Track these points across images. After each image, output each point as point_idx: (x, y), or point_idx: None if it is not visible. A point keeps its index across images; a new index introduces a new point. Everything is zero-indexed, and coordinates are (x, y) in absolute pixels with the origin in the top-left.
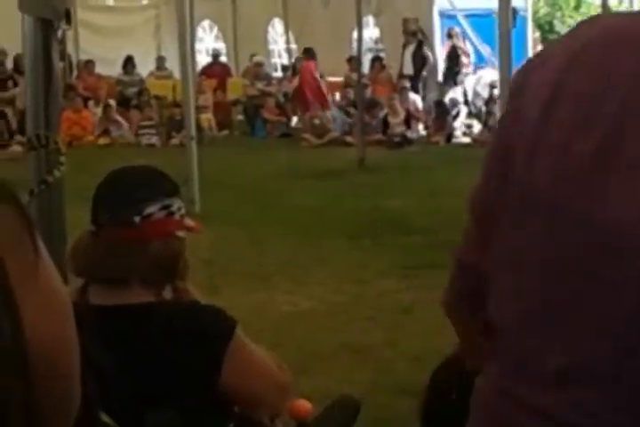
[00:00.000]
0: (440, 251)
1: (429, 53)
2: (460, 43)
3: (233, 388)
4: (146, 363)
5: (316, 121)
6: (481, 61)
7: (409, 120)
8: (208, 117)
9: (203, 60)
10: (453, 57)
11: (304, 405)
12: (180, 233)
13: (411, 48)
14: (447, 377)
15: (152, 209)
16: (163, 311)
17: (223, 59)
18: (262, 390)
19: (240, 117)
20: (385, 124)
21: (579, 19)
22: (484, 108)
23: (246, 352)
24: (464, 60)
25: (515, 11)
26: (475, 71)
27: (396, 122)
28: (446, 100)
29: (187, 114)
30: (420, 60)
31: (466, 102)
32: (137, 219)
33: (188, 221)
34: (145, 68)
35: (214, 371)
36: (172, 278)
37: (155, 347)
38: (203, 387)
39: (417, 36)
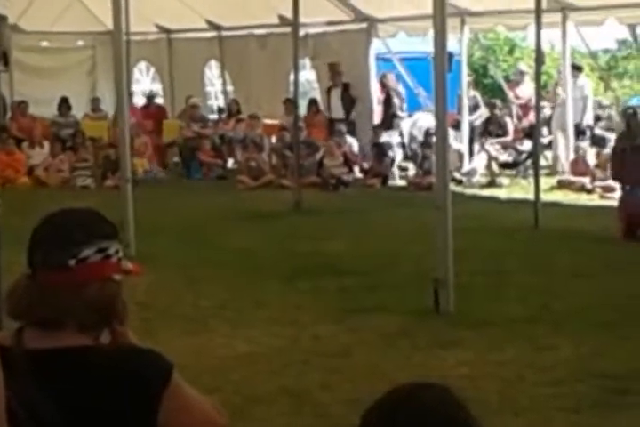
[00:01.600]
0: (376, 294)
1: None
2: (393, 85)
3: None
4: (82, 407)
5: (252, 163)
6: (416, 104)
7: (348, 163)
8: (142, 163)
9: (139, 101)
10: (388, 100)
11: None
12: (117, 276)
13: (337, 91)
14: (378, 419)
15: (88, 252)
16: (99, 355)
17: (159, 100)
18: None
19: (176, 159)
20: (320, 166)
21: (512, 63)
22: (419, 152)
23: (183, 396)
24: (396, 101)
25: (450, 55)
26: (410, 114)
27: (333, 164)
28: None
29: (122, 155)
30: (349, 102)
31: (402, 145)
32: (72, 262)
33: (127, 264)
34: (80, 109)
35: (151, 415)
36: (109, 322)
37: (91, 391)
38: None
39: (342, 78)
